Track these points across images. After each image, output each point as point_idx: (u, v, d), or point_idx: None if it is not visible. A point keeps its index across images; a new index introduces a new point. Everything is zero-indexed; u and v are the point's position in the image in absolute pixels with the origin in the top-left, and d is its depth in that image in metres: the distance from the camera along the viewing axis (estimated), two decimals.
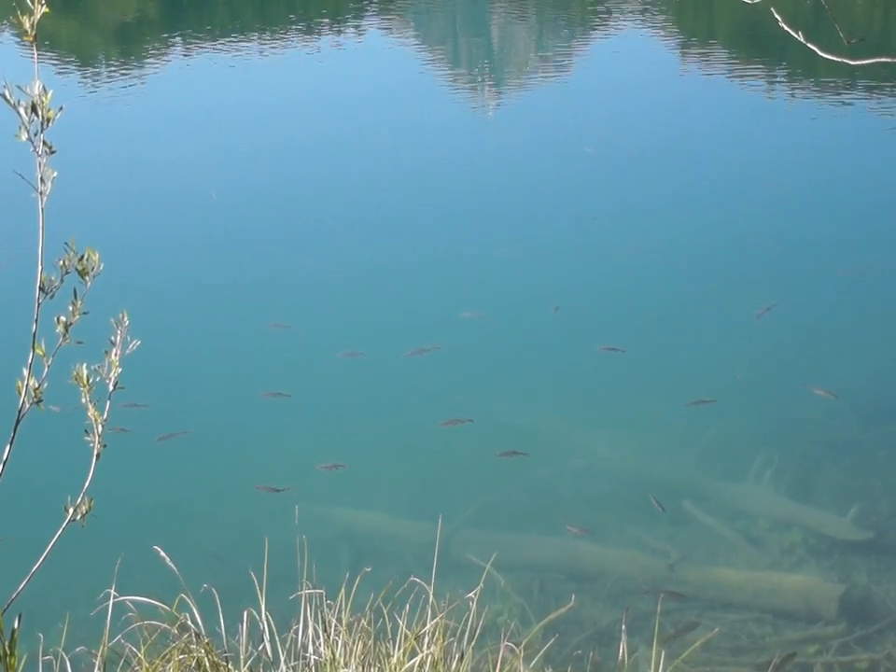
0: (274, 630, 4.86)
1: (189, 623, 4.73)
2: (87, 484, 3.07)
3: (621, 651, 5.25)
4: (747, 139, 19.34)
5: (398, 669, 4.59)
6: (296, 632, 4.88)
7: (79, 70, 26.91)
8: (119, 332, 3.07)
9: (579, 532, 9.44)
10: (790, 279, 13.35)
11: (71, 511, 3.05)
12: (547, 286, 13.71)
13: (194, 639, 4.65)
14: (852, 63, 4.84)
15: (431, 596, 4.96)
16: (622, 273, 13.95)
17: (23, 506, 9.62)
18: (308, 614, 4.90)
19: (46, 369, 2.97)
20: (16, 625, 3.04)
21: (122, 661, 4.71)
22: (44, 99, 2.92)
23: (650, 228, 15.19)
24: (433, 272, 14.30)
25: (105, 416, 3.05)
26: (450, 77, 26.45)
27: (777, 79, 23.72)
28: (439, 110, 22.55)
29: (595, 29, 29.40)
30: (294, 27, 31.11)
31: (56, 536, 3.08)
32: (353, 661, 4.65)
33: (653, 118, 20.89)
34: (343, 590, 4.94)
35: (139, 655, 4.61)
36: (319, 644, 4.79)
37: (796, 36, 4.71)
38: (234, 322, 13.10)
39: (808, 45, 4.71)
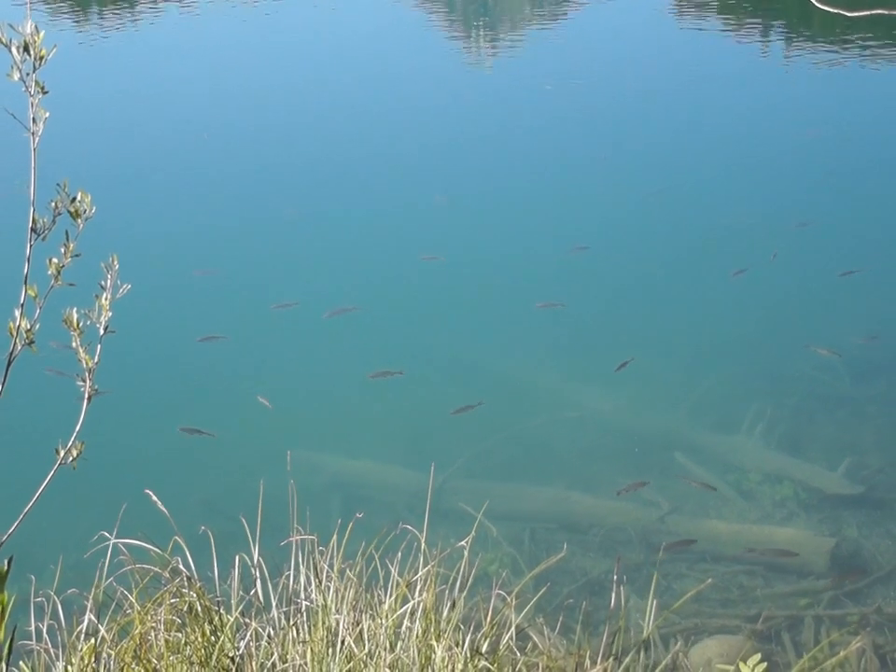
0: (266, 575, 4.88)
1: (181, 567, 4.74)
2: (78, 427, 3.05)
3: (612, 600, 5.27)
4: (741, 92, 19.25)
5: (389, 616, 4.61)
6: (288, 578, 4.90)
7: (72, 14, 26.69)
8: (109, 276, 3.04)
9: (629, 489, 9.40)
10: (780, 233, 13.30)
11: (62, 453, 3.03)
12: (540, 235, 13.68)
13: (186, 583, 4.66)
14: (849, 14, 4.81)
15: (423, 544, 4.97)
16: (617, 223, 13.92)
17: (16, 448, 9.65)
18: (300, 560, 4.92)
19: (38, 310, 2.94)
20: (6, 567, 3.03)
21: (114, 604, 4.72)
22: (36, 38, 2.88)
23: (645, 176, 15.13)
24: (423, 219, 14.26)
25: (95, 360, 3.03)
26: (445, 25, 26.23)
27: (774, 33, 23.56)
28: (432, 57, 22.42)
29: None
30: None
31: (47, 479, 3.07)
32: (344, 607, 4.66)
33: (646, 68, 20.77)
34: (334, 536, 4.95)
35: (131, 598, 4.62)
36: (311, 590, 4.81)
37: None
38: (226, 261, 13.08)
39: None
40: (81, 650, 4.35)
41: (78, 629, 4.54)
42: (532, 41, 23.74)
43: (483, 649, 4.70)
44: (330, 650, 4.47)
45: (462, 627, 4.78)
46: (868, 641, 7.74)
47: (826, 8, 4.85)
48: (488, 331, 11.71)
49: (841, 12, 4.86)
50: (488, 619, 4.84)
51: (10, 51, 2.86)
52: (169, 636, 4.49)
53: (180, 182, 15.76)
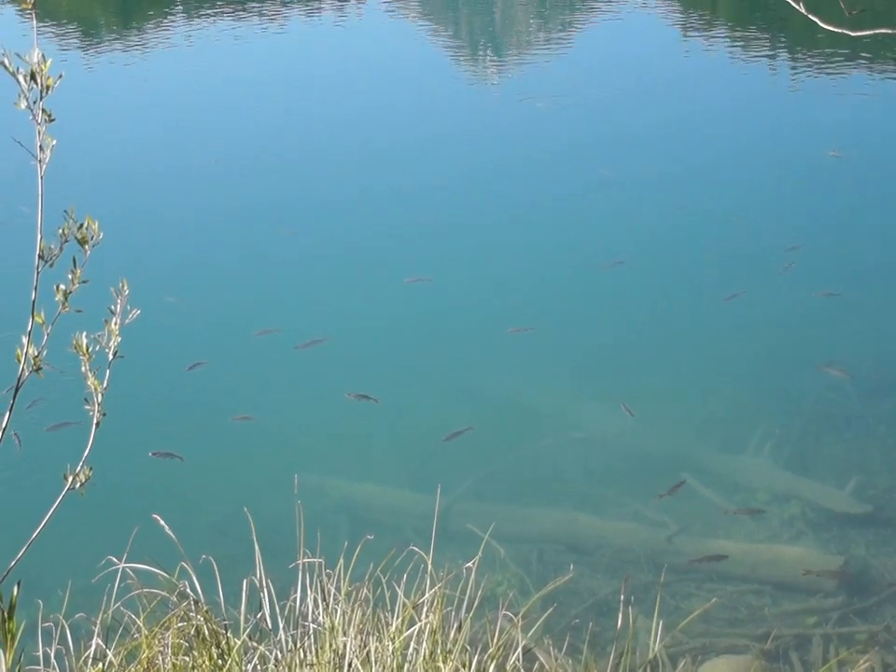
0: (274, 598, 4.89)
1: (189, 591, 4.75)
2: (86, 453, 3.07)
3: (619, 621, 5.27)
4: (748, 113, 19.29)
5: (396, 638, 4.61)
6: (295, 600, 4.91)
7: (80, 40, 26.82)
8: (118, 301, 3.07)
9: (670, 492, 9.48)
10: (788, 252, 13.30)
11: (70, 479, 3.05)
12: (548, 257, 13.71)
13: (193, 607, 4.67)
14: (853, 34, 4.83)
15: (430, 566, 4.97)
16: (624, 245, 13.93)
17: (24, 474, 9.66)
18: (307, 583, 4.93)
19: (45, 337, 2.97)
20: (15, 592, 3.05)
21: (122, 628, 4.73)
22: (43, 67, 2.91)
23: (655, 202, 15.16)
24: (432, 244, 14.30)
25: (104, 385, 3.05)
26: (451, 50, 26.33)
27: (779, 52, 23.62)
28: (440, 82, 22.49)
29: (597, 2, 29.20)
30: None
31: (55, 504, 3.09)
32: (352, 629, 4.67)
33: (654, 92, 20.83)
34: (341, 559, 4.96)
35: (138, 623, 4.63)
36: (318, 613, 4.82)
37: (797, 8, 4.69)
38: (235, 292, 13.12)
39: (810, 16, 4.70)
40: None
41: (86, 654, 4.56)
42: (538, 63, 23.80)
43: (490, 670, 4.70)
44: None
45: (469, 648, 4.78)
46: (877, 660, 7.72)
47: (831, 28, 4.87)
48: (495, 353, 11.71)
49: (846, 32, 4.87)
50: (495, 640, 4.84)
51: (17, 80, 2.89)
52: (176, 660, 4.50)
53: (177, 208, 15.79)
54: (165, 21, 28.68)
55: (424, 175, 16.53)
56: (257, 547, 5.00)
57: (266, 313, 12.51)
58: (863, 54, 21.86)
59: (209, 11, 28.79)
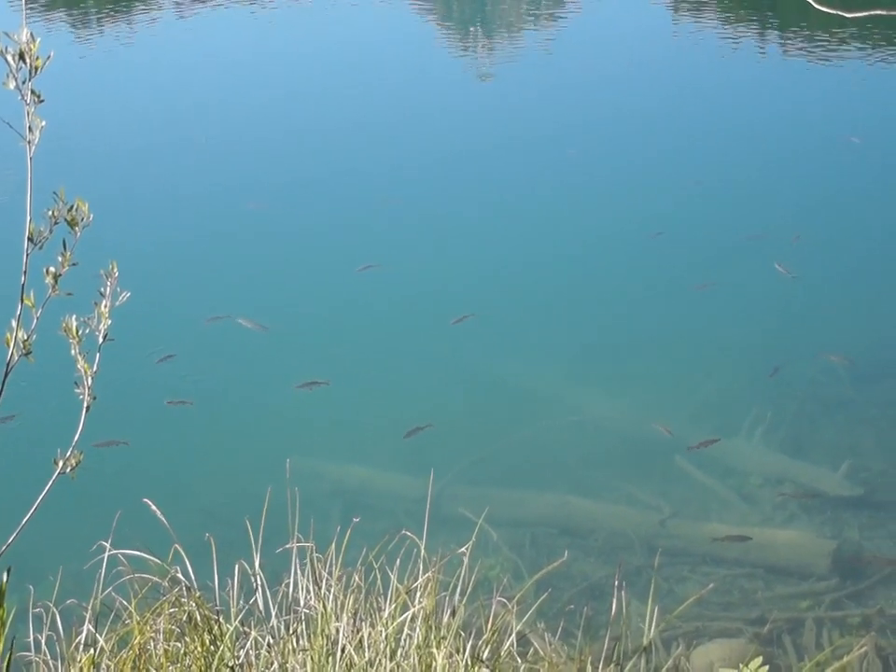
0: (265, 584, 4.86)
1: (180, 576, 4.72)
2: (76, 437, 3.04)
3: (612, 606, 5.25)
4: (740, 96, 19.24)
5: (389, 623, 4.59)
6: (287, 586, 4.88)
7: (69, 21, 26.69)
8: (108, 284, 3.03)
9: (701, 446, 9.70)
10: (782, 237, 13.28)
11: (61, 463, 3.02)
12: (543, 241, 13.68)
13: (185, 593, 4.64)
14: (847, 15, 4.80)
15: (423, 551, 4.95)
16: (616, 229, 13.91)
17: (14, 458, 9.63)
18: (299, 568, 4.90)
19: (35, 320, 2.93)
20: (5, 578, 3.01)
21: (113, 614, 4.71)
22: (32, 47, 2.87)
23: (651, 185, 15.13)
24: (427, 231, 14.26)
25: (94, 369, 3.01)
26: (441, 31, 26.21)
27: (770, 34, 23.55)
28: (429, 64, 22.40)
29: None
30: None
31: (46, 489, 3.05)
32: (344, 615, 4.64)
33: (643, 74, 20.77)
34: (333, 544, 4.93)
35: (130, 608, 4.60)
36: (310, 598, 4.79)
37: None
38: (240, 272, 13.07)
39: None
40: (80, 660, 4.33)
41: (77, 640, 4.53)
42: (530, 47, 23.71)
43: (484, 655, 4.68)
44: (330, 658, 4.45)
45: (463, 634, 4.76)
46: (871, 643, 7.72)
47: (824, 9, 4.84)
48: (489, 337, 11.68)
49: (839, 13, 4.85)
50: (489, 625, 4.82)
51: (6, 59, 2.85)
52: (168, 645, 4.47)
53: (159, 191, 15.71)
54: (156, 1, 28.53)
55: (410, 154, 16.50)
56: (250, 531, 4.97)
57: (255, 294, 12.48)
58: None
59: None
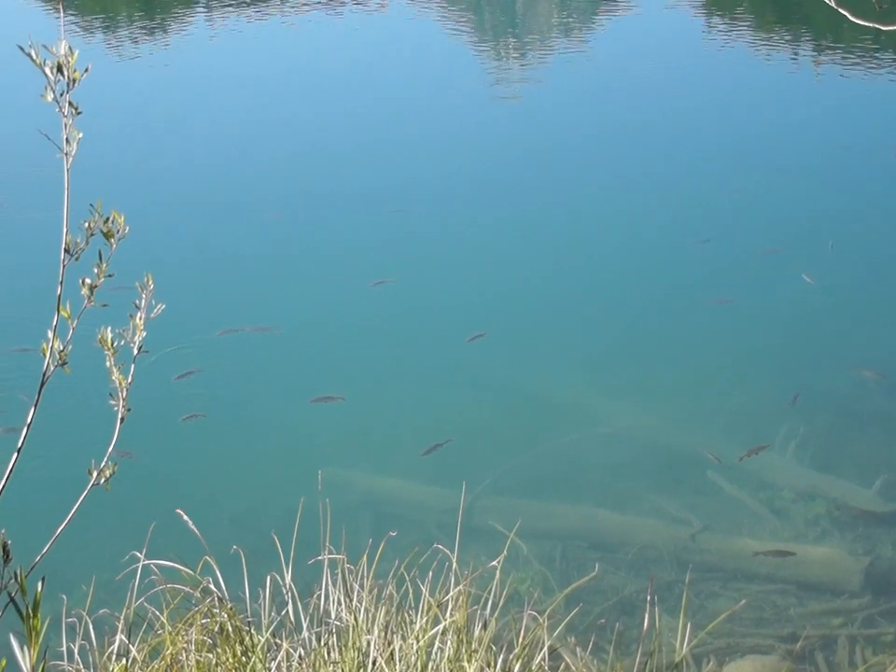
0: (297, 595, 4.85)
1: (212, 587, 4.72)
2: (111, 448, 3.04)
3: (645, 620, 5.22)
4: (772, 107, 19.18)
5: (420, 636, 4.57)
6: (318, 597, 4.87)
7: (104, 33, 26.86)
8: (144, 296, 3.03)
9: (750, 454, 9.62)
10: (813, 248, 13.22)
11: (95, 474, 3.02)
12: (576, 252, 13.67)
13: (217, 604, 4.64)
14: (883, 28, 4.77)
15: (455, 563, 4.93)
16: (646, 238, 13.87)
17: (49, 469, 9.67)
18: (330, 580, 4.89)
19: (70, 331, 2.94)
20: (39, 588, 3.02)
21: (145, 624, 4.71)
22: (70, 59, 2.88)
23: (684, 195, 15.09)
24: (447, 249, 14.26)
25: (129, 380, 3.02)
26: (473, 45, 26.22)
27: (803, 46, 23.47)
28: (462, 79, 22.40)
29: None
30: None
31: (80, 499, 3.06)
32: (375, 627, 4.63)
33: (676, 85, 20.74)
34: (365, 556, 4.92)
35: (162, 619, 4.61)
36: (342, 610, 4.78)
37: (827, 1, 4.64)
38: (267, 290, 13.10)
39: (839, 10, 4.64)
40: (112, 670, 4.34)
41: (110, 650, 4.54)
42: (561, 60, 23.70)
43: (515, 670, 4.66)
44: (361, 671, 4.44)
45: (494, 648, 4.74)
46: None
47: (861, 22, 4.81)
48: (514, 349, 11.67)
49: (876, 25, 4.82)
50: (520, 639, 4.79)
51: (44, 72, 2.86)
52: (200, 656, 4.47)
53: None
54: (189, 12, 28.67)
55: (431, 169, 16.51)
56: (278, 543, 4.97)
57: (275, 305, 12.50)
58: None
59: (231, 2, 28.78)
